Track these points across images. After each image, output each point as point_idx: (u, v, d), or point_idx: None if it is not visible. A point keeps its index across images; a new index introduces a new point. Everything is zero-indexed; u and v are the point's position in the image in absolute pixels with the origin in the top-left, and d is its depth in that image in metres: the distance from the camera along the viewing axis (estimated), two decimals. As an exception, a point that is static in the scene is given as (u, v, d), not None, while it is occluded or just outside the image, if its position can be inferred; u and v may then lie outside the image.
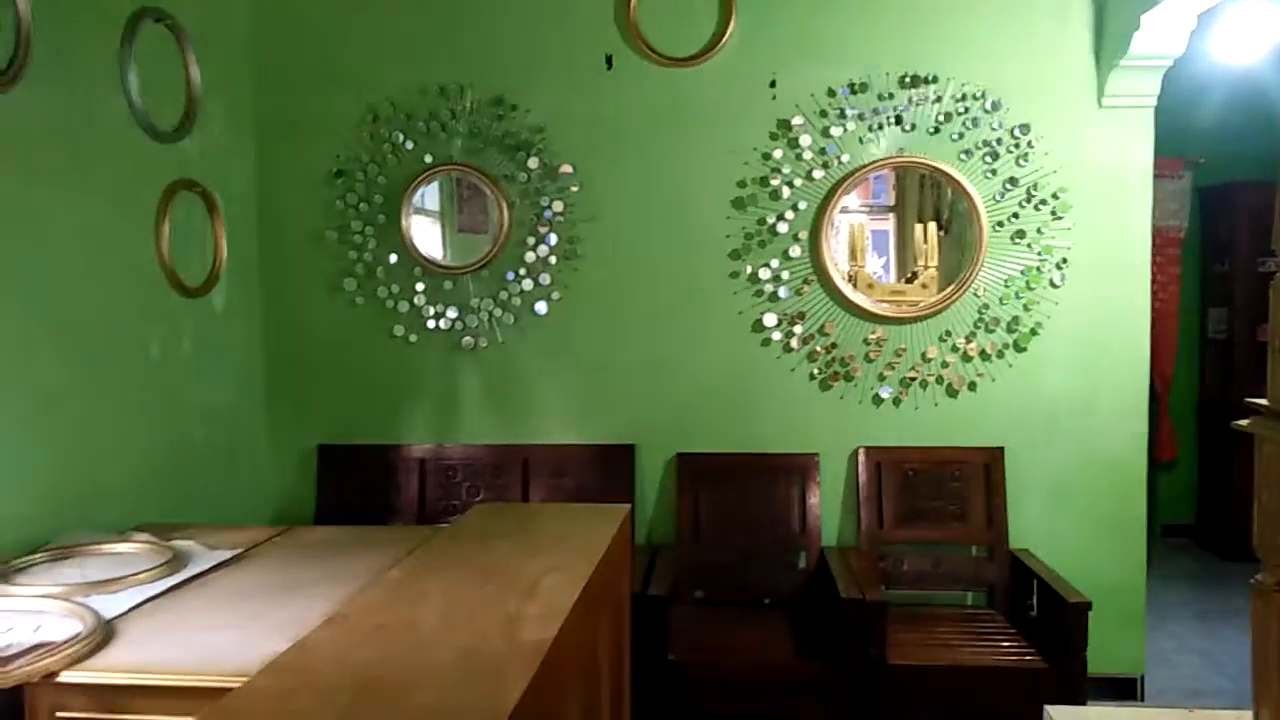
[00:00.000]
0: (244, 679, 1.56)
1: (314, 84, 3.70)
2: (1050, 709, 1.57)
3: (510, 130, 3.64)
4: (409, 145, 3.67)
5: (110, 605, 1.97)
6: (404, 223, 3.65)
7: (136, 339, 3.00)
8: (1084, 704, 2.98)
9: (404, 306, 3.72)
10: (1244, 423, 1.37)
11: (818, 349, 3.63)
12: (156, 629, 1.89)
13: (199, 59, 3.21)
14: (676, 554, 3.55)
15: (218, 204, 3.38)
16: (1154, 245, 3.60)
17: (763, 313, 3.63)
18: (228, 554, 2.36)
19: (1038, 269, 3.53)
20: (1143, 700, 3.62)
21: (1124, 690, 3.61)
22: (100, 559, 2.31)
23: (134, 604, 2.00)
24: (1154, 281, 3.61)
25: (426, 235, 3.74)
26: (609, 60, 3.61)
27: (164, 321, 3.13)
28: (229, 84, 3.52)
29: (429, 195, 3.77)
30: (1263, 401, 1.34)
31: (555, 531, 2.52)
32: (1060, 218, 3.51)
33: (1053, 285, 3.54)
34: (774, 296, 3.62)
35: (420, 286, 3.71)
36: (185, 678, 1.67)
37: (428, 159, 3.66)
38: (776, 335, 3.63)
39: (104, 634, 1.82)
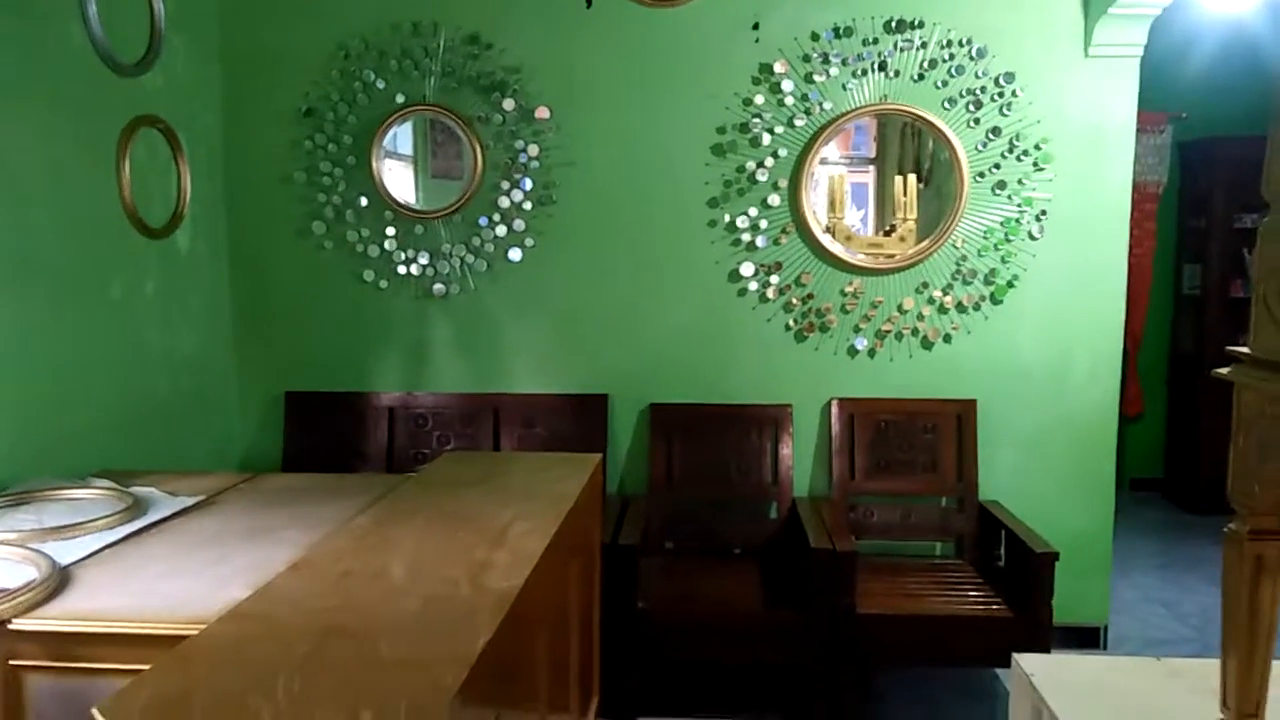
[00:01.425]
0: (203, 625, 1.53)
1: (282, 18, 3.58)
2: (1018, 657, 1.57)
3: (485, 70, 3.54)
4: (380, 84, 3.56)
5: (67, 551, 1.93)
6: (374, 165, 3.56)
7: (98, 281, 2.91)
8: (1049, 652, 3.02)
9: (374, 251, 3.64)
10: (1224, 370, 1.36)
11: (794, 300, 3.59)
12: (114, 576, 1.85)
13: (160, -11, 3.09)
14: (648, 504, 3.54)
15: (181, 142, 3.28)
16: (1132, 200, 3.58)
17: (740, 262, 3.58)
18: (190, 501, 2.32)
19: (1017, 220, 3.51)
20: (1105, 648, 3.68)
21: (1087, 639, 3.67)
22: (58, 505, 2.25)
23: (91, 550, 1.95)
24: (1130, 236, 3.60)
25: (398, 178, 3.66)
26: (588, 0, 3.51)
27: (126, 263, 3.04)
28: (194, 16, 3.40)
29: (401, 137, 3.68)
30: (1244, 350, 1.32)
31: (525, 480, 2.49)
32: (1042, 169, 3.48)
33: (1031, 237, 3.51)
34: (751, 246, 3.58)
35: (391, 231, 3.63)
36: (142, 625, 1.63)
37: (399, 99, 3.56)
38: (753, 285, 3.59)
39: (59, 580, 1.78)
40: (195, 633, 1.50)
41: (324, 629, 1.50)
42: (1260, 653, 1.34)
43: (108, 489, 2.35)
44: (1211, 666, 1.38)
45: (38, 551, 1.88)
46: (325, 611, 1.57)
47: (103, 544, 2.00)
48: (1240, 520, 1.32)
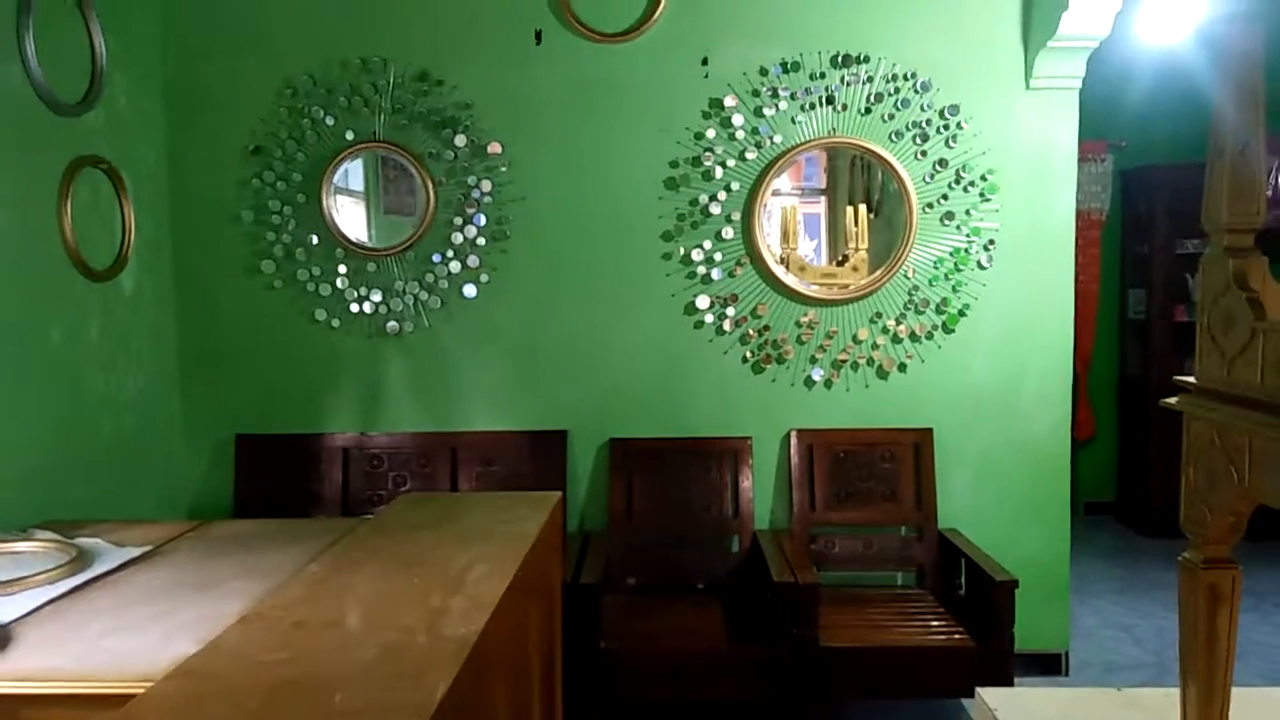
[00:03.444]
0: (150, 684, 1.47)
1: (227, 55, 3.54)
2: (982, 691, 1.57)
3: (436, 107, 3.53)
4: (329, 121, 3.54)
5: (7, 609, 1.85)
6: (325, 202, 3.53)
7: (37, 325, 2.83)
8: (1011, 680, 3.03)
9: (325, 290, 3.59)
10: (1172, 400, 1.37)
11: (750, 331, 3.61)
12: (57, 633, 1.78)
13: (104, 26, 3.05)
14: (609, 540, 3.50)
15: (125, 181, 3.22)
16: (1076, 228, 3.66)
17: (695, 295, 3.59)
18: (136, 551, 2.25)
19: (966, 250, 3.56)
20: (1067, 674, 3.70)
21: (1049, 665, 3.69)
22: (-3, 558, 2.18)
23: (33, 607, 1.88)
24: (1076, 263, 3.67)
25: (349, 216, 3.62)
26: (538, 36, 3.53)
27: (68, 306, 2.97)
28: (136, 54, 3.35)
29: (352, 174, 3.65)
30: (1190, 380, 1.34)
31: (483, 521, 2.45)
32: (988, 199, 3.54)
33: (980, 267, 3.57)
34: (707, 279, 3.59)
35: (343, 269, 3.59)
36: (87, 684, 1.57)
37: (349, 136, 3.54)
38: (709, 318, 3.60)
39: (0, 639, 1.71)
40: (142, 691, 1.44)
41: (276, 683, 1.45)
42: (1219, 681, 1.35)
43: (50, 541, 2.27)
44: (1171, 696, 1.38)
45: (-26, 610, 1.81)
46: (277, 664, 1.52)
47: (45, 599, 1.92)
48: (1194, 549, 1.34)
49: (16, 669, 1.63)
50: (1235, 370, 1.24)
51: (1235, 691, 1.37)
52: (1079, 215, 4.03)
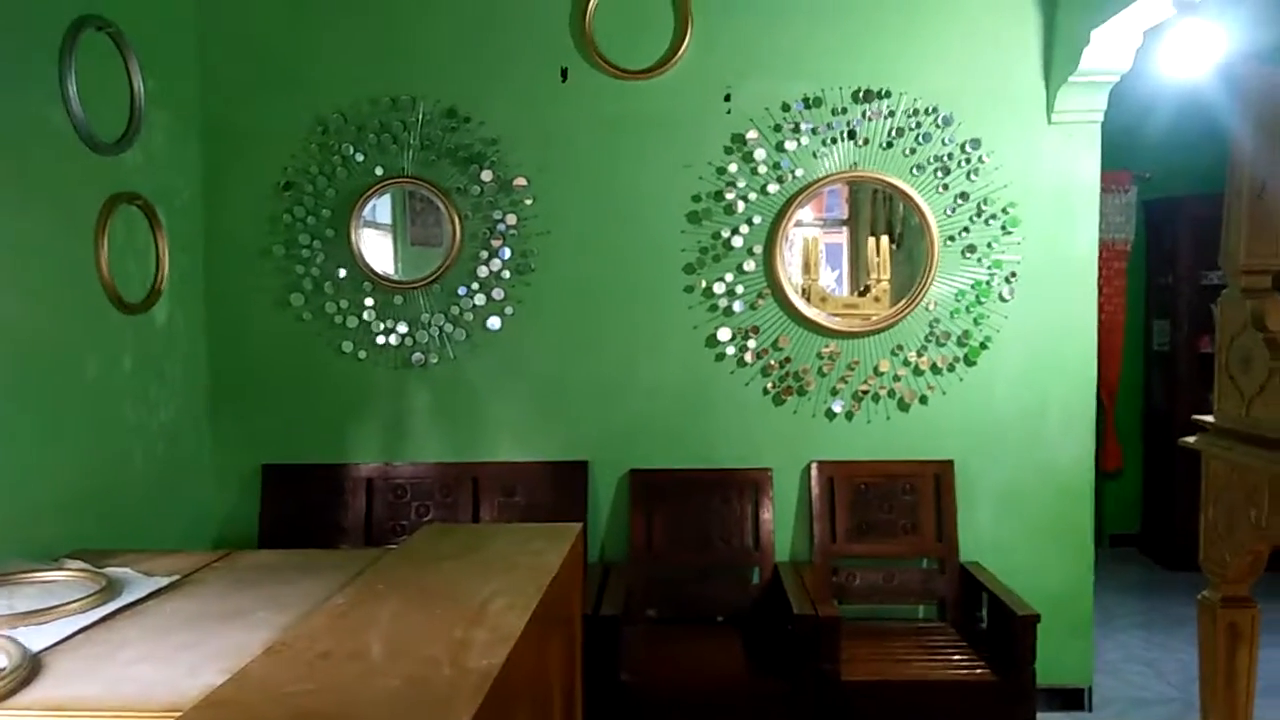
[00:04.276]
0: (178, 714, 1.50)
1: (261, 95, 3.63)
2: (1003, 729, 1.57)
3: (463, 143, 3.60)
4: (359, 157, 3.61)
5: (39, 637, 1.89)
6: (353, 236, 3.59)
7: (73, 357, 2.90)
8: (1034, 716, 3.00)
9: (353, 322, 3.65)
10: (1190, 440, 1.38)
11: (771, 363, 3.62)
12: (87, 662, 1.81)
13: (143, 68, 3.14)
14: (629, 572, 3.51)
15: (160, 217, 3.29)
16: (1100, 258, 3.66)
17: (717, 327, 3.62)
18: (164, 581, 2.28)
19: (987, 283, 3.57)
20: (1090, 710, 3.65)
21: (1072, 700, 3.65)
22: (29, 589, 2.21)
23: (64, 636, 1.91)
24: (1100, 294, 3.67)
25: (377, 249, 3.69)
26: (564, 73, 3.59)
27: (103, 339, 3.04)
28: (174, 94, 3.44)
29: (380, 208, 3.72)
30: (1209, 419, 1.35)
31: (505, 553, 2.47)
32: (1010, 232, 3.55)
33: (1002, 299, 3.57)
34: (728, 311, 3.62)
35: (370, 302, 3.65)
36: (115, 714, 1.60)
37: (378, 171, 3.61)
38: (731, 350, 3.62)
39: (31, 668, 1.74)
40: (169, 722, 1.47)
41: (301, 714, 1.47)
42: (1240, 718, 1.34)
43: (80, 570, 2.31)
44: (1192, 734, 1.38)
45: (8, 638, 1.85)
46: (303, 695, 1.55)
47: (75, 628, 1.96)
48: (1213, 589, 1.34)
49: (47, 697, 1.66)
50: (1253, 410, 1.25)
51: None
52: (1103, 246, 4.03)
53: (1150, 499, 5.76)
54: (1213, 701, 1.31)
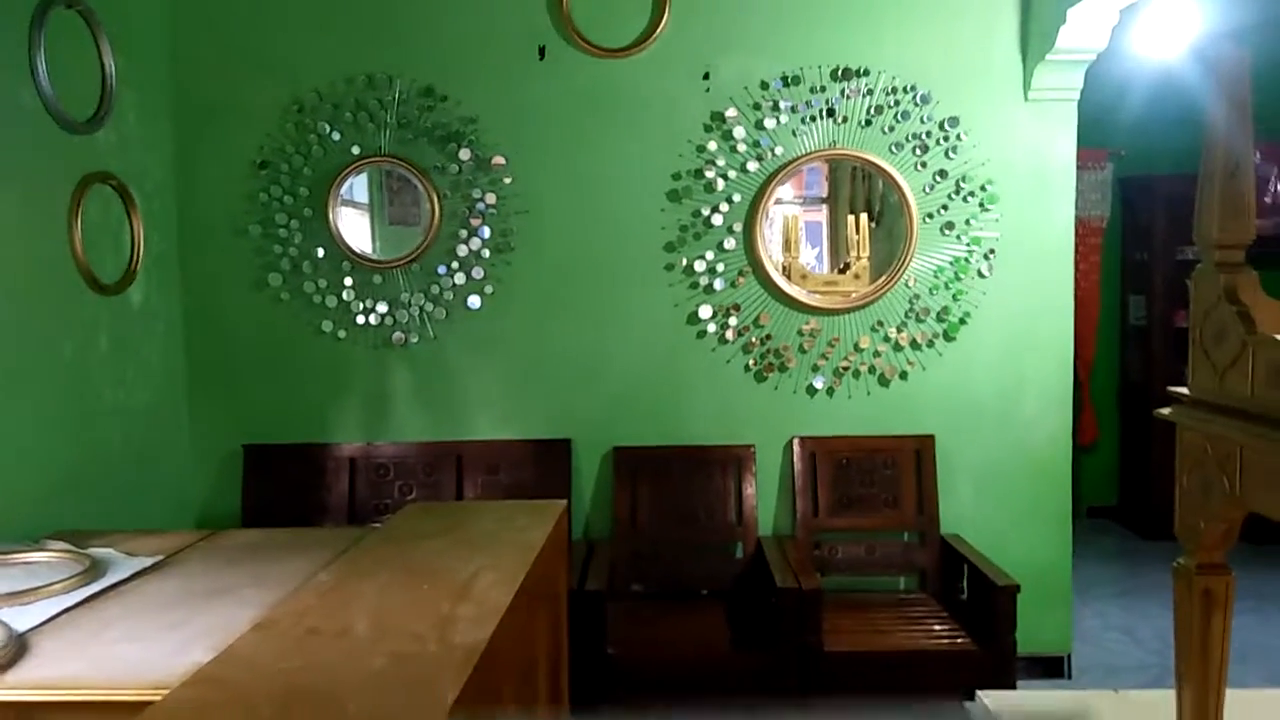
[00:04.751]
0: (165, 691, 1.51)
1: (235, 72, 3.59)
2: (982, 694, 1.60)
3: (440, 121, 3.58)
4: (335, 136, 3.58)
5: (23, 618, 1.88)
6: (331, 215, 3.57)
7: (49, 339, 2.88)
8: (1014, 683, 3.05)
9: (332, 301, 3.63)
10: (1165, 411, 1.41)
11: (753, 340, 3.64)
12: (72, 642, 1.81)
13: (113, 46, 3.09)
14: (614, 548, 3.54)
15: (134, 197, 3.26)
16: (1077, 235, 3.69)
17: (698, 305, 3.63)
18: (148, 561, 2.28)
19: (966, 259, 3.59)
20: (1070, 677, 3.72)
21: (1052, 668, 3.71)
22: (12, 570, 2.20)
23: (48, 616, 1.91)
24: (1076, 270, 3.70)
25: (355, 228, 3.66)
26: (542, 51, 3.57)
27: (79, 320, 3.01)
28: (145, 72, 3.39)
29: (357, 187, 3.69)
30: (1183, 390, 1.37)
31: (489, 530, 2.48)
32: (988, 209, 3.57)
33: (980, 275, 3.60)
34: (709, 289, 3.62)
35: (349, 281, 3.63)
36: (102, 692, 1.60)
37: (355, 150, 3.58)
38: (712, 327, 3.64)
39: (16, 649, 1.74)
40: (157, 698, 1.47)
41: (289, 690, 1.48)
42: (1214, 682, 1.37)
43: (63, 551, 2.30)
44: (1167, 696, 1.41)
45: (-8, 620, 1.84)
46: (290, 672, 1.55)
47: (60, 609, 1.95)
48: (1189, 555, 1.37)
49: (32, 677, 1.66)
50: (1226, 382, 1.27)
51: (1235, 693, 1.40)
52: (1079, 223, 4.06)
53: (1127, 471, 5.84)
54: (1187, 666, 1.34)
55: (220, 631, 1.81)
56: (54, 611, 1.94)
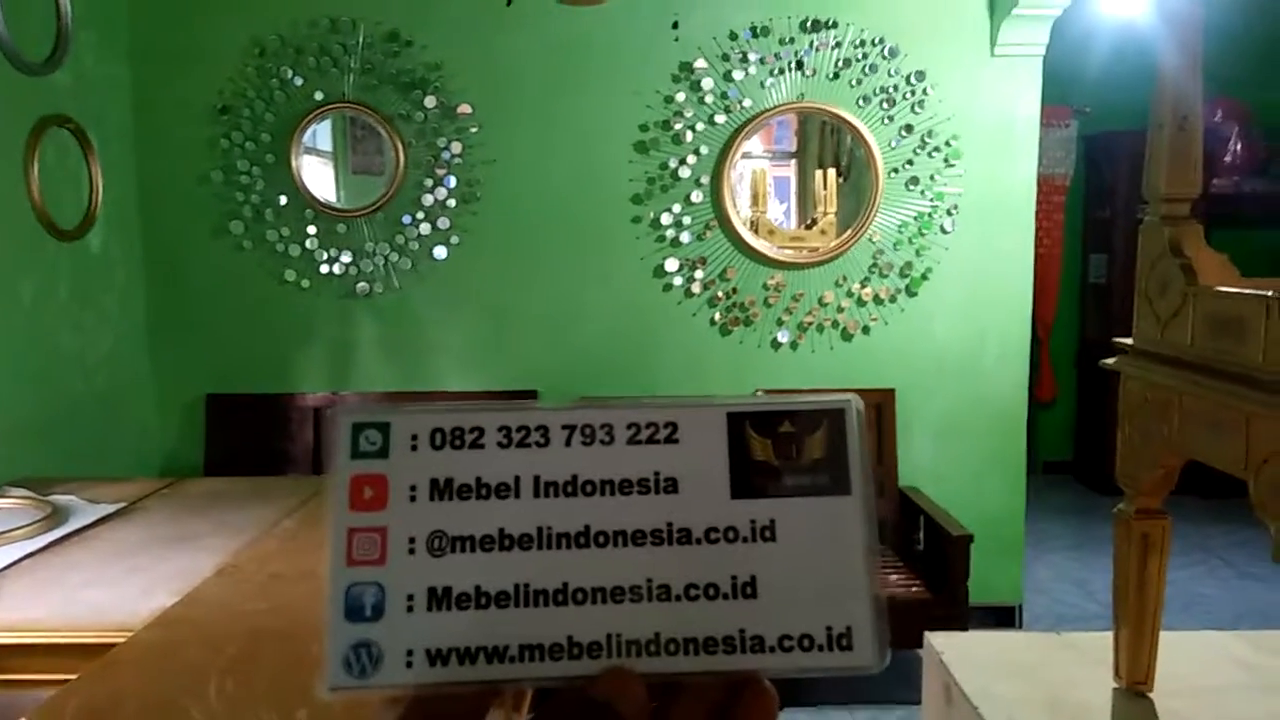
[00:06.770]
0: (130, 634, 1.53)
1: (194, 13, 3.51)
2: (930, 636, 1.65)
3: (405, 68, 3.53)
4: (298, 81, 3.52)
5: (-16, 562, 1.89)
6: (294, 163, 3.52)
7: (6, 284, 2.84)
8: (965, 631, 3.14)
9: (295, 250, 3.60)
10: (1110, 361, 1.45)
11: (718, 294, 3.66)
12: (35, 586, 1.82)
13: (66, -16, 3.01)
14: (579, 498, 3.57)
15: (92, 141, 3.20)
16: (1040, 192, 3.73)
17: (665, 258, 3.64)
18: (111, 508, 2.28)
19: (930, 215, 3.62)
20: (1021, 626, 3.83)
21: (1004, 618, 3.82)
22: (-28, 515, 2.20)
23: (10, 561, 1.91)
24: (1039, 228, 3.75)
25: (318, 176, 3.62)
26: (507, -2, 3.52)
27: (37, 266, 2.97)
28: (102, 12, 3.31)
29: (320, 134, 3.64)
30: (1127, 341, 1.41)
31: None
32: (952, 165, 3.60)
33: (943, 231, 3.64)
34: (676, 242, 3.63)
35: (312, 230, 3.59)
36: (67, 634, 1.62)
37: (318, 96, 3.53)
38: (678, 280, 3.65)
39: (-22, 592, 1.75)
40: (122, 640, 1.49)
41: (253, 631, 1.50)
42: (1149, 625, 1.43)
43: (25, 498, 2.30)
44: (1106, 639, 1.47)
45: (-47, 564, 1.84)
46: (254, 614, 1.58)
47: (22, 554, 1.96)
48: (1128, 501, 1.42)
49: (-2, 621, 1.67)
50: (1168, 333, 1.31)
51: (1167, 635, 1.46)
52: (1043, 181, 4.10)
53: (1083, 428, 5.97)
54: (1124, 608, 1.40)
55: (184, 577, 1.82)
56: (16, 557, 1.94)
